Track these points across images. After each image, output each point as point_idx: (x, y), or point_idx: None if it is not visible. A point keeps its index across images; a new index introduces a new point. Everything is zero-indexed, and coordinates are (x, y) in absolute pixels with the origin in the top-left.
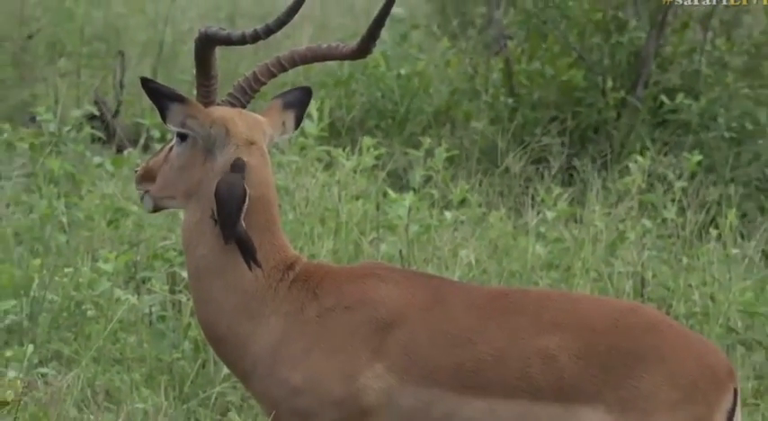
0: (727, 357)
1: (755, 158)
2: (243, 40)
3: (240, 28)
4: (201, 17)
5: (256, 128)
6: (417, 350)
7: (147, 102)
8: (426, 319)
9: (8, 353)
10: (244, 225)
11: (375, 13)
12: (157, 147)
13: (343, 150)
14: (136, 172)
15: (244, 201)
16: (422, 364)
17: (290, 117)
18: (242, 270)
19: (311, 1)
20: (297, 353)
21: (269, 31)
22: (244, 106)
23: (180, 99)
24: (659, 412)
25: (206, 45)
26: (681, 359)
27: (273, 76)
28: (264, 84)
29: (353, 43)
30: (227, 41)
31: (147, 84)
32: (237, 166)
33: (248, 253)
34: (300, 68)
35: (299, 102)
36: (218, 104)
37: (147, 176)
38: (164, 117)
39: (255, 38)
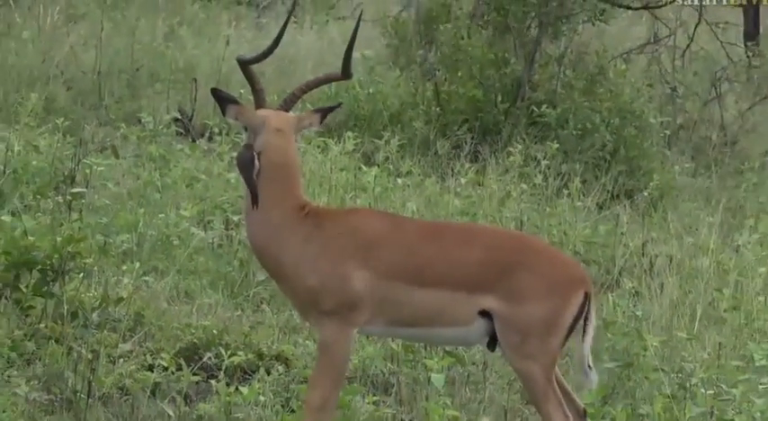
0: (582, 268)
1: (592, 146)
2: (254, 61)
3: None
4: None
5: (285, 122)
6: (385, 260)
7: (211, 109)
8: (390, 240)
9: (124, 268)
10: (256, 181)
11: (352, 53)
12: (218, 139)
13: (333, 140)
14: None
15: (252, 164)
16: (388, 269)
17: (316, 117)
18: (273, 214)
19: (312, 46)
20: (310, 263)
21: (264, 56)
22: (288, 109)
23: (234, 101)
24: (530, 300)
25: (241, 64)
26: (548, 267)
27: (304, 92)
28: (299, 97)
29: (339, 71)
30: (247, 62)
31: (215, 92)
32: (248, 146)
33: (254, 198)
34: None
35: (325, 109)
36: (270, 107)
37: None
38: (223, 112)
39: (258, 59)
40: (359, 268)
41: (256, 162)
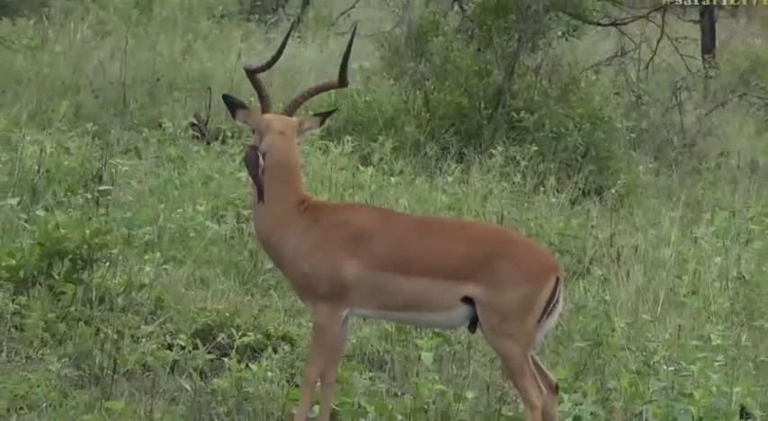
0: (554, 258)
1: (565, 148)
2: (259, 70)
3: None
4: None
5: (288, 126)
6: (375, 250)
7: (224, 115)
8: (381, 233)
9: (146, 257)
10: (262, 178)
11: (348, 64)
12: (230, 142)
13: (334, 143)
14: None
15: (257, 162)
16: (378, 259)
17: (316, 120)
18: (275, 208)
19: (315, 59)
20: (307, 253)
21: (268, 66)
22: (291, 114)
23: (243, 106)
24: (509, 287)
25: (248, 73)
26: (524, 258)
27: (306, 99)
28: (301, 103)
29: (336, 80)
30: (253, 71)
31: (226, 97)
32: (253, 147)
33: (260, 193)
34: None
35: (323, 114)
36: (275, 112)
37: None
38: (233, 116)
39: (263, 69)
40: (350, 258)
41: (261, 161)
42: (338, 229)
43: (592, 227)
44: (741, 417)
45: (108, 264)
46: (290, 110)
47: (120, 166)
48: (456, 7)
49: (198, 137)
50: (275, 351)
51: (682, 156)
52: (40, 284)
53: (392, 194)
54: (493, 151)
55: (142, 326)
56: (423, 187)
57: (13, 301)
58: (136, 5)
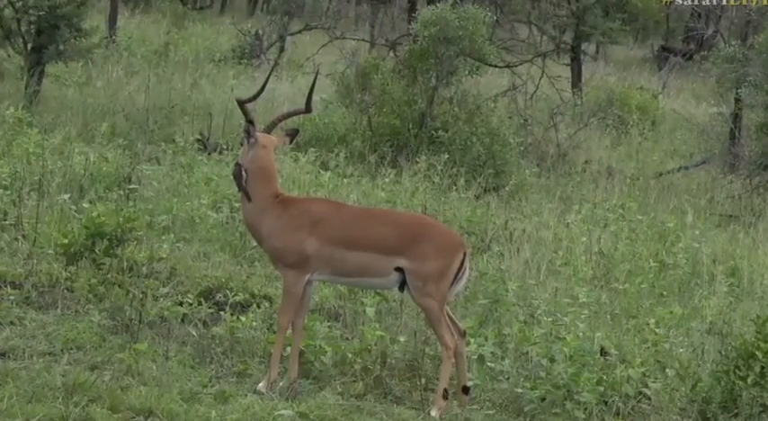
0: (462, 238)
1: (471, 157)
2: (247, 101)
3: (258, 101)
4: None
5: (268, 141)
6: (328, 231)
7: (220, 133)
8: (333, 218)
9: (163, 237)
10: (245, 183)
11: (312, 95)
12: (226, 152)
13: (302, 153)
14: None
15: (241, 174)
16: (330, 237)
17: (287, 138)
18: (258, 200)
19: (288, 92)
20: (277, 233)
21: (253, 98)
22: (269, 132)
23: (252, 123)
24: (428, 259)
25: (239, 103)
26: (440, 238)
27: (280, 121)
28: (277, 124)
29: (303, 107)
30: (242, 102)
31: (240, 102)
32: (237, 164)
33: (247, 196)
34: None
35: (292, 133)
36: (259, 131)
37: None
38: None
39: (249, 101)
40: (310, 236)
41: (243, 174)
42: (302, 216)
43: (491, 215)
44: (601, 355)
45: (136, 242)
46: (269, 129)
47: (144, 171)
48: (391, 53)
49: (201, 149)
50: (258, 306)
51: (557, 163)
52: (85, 257)
53: (344, 191)
54: (418, 159)
55: (160, 289)
56: (367, 186)
57: (65, 270)
58: (156, 53)
